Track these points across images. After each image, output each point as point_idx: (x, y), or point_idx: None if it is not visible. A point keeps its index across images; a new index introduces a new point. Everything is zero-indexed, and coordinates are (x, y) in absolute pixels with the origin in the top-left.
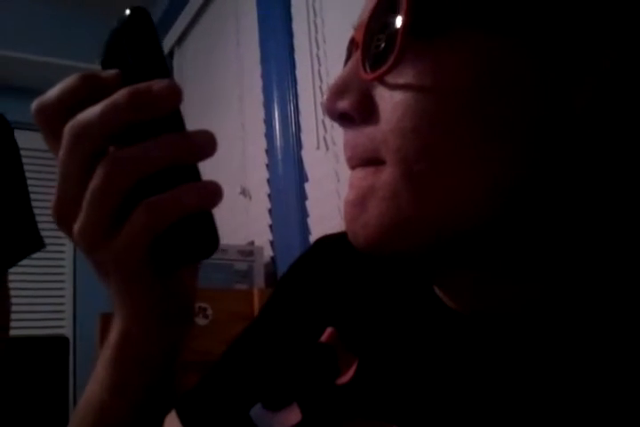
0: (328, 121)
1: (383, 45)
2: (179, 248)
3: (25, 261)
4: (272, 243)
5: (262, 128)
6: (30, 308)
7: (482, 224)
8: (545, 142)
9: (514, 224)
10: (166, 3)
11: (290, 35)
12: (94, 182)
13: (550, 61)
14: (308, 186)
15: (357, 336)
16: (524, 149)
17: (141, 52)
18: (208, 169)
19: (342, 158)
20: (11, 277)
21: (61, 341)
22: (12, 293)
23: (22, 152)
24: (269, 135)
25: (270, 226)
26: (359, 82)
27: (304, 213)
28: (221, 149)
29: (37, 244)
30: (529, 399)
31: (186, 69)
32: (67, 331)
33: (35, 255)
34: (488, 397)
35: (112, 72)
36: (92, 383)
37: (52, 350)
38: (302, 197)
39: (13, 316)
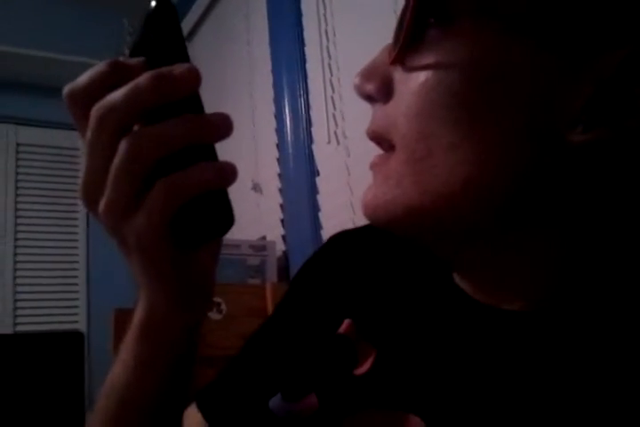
0: (339, 115)
1: (399, 30)
2: (196, 225)
3: (37, 257)
4: (284, 237)
5: (273, 123)
6: (44, 303)
7: (486, 210)
8: (543, 137)
9: (520, 209)
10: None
11: (300, 29)
12: (117, 159)
13: (556, 59)
14: (319, 180)
15: (375, 328)
16: (522, 143)
17: (165, 40)
18: None
19: (353, 152)
20: (25, 273)
21: (76, 336)
22: (26, 288)
23: (23, 148)
24: (280, 130)
25: (282, 220)
26: (385, 66)
27: (315, 208)
28: (233, 144)
29: None
30: (548, 391)
31: (196, 65)
32: (81, 326)
33: (48, 251)
34: (505, 387)
35: (138, 59)
36: (115, 367)
37: (68, 345)
38: (313, 191)
39: (28, 311)
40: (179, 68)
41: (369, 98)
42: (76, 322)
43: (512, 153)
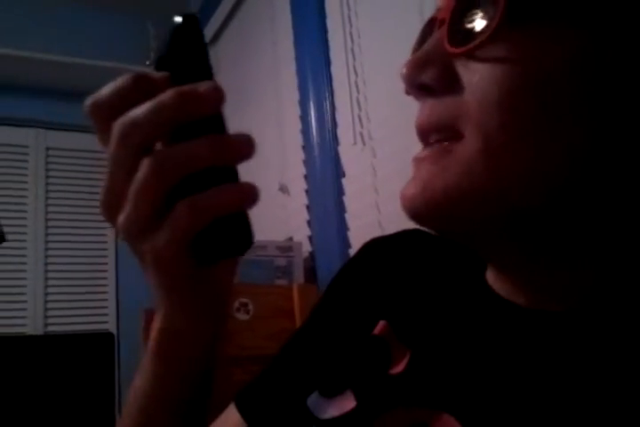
0: (364, 116)
1: (477, 22)
2: (215, 245)
3: (67, 259)
4: (310, 238)
5: (299, 125)
6: (74, 304)
7: (544, 205)
8: (611, 132)
9: (574, 209)
10: (199, 3)
11: (324, 30)
12: (139, 176)
13: (625, 60)
14: (345, 181)
15: (410, 329)
16: (594, 136)
17: (190, 56)
18: (247, 167)
19: (379, 153)
20: (54, 275)
21: (107, 336)
22: (56, 290)
23: (53, 152)
24: (306, 132)
25: (308, 222)
26: (441, 56)
27: (341, 209)
28: (259, 147)
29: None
30: (580, 392)
31: (221, 69)
32: (110, 326)
33: (78, 252)
34: (537, 387)
35: (162, 74)
36: (138, 373)
37: (98, 345)
38: (339, 192)
39: (57, 313)
40: (203, 87)
41: (422, 88)
42: (106, 322)
43: (587, 149)
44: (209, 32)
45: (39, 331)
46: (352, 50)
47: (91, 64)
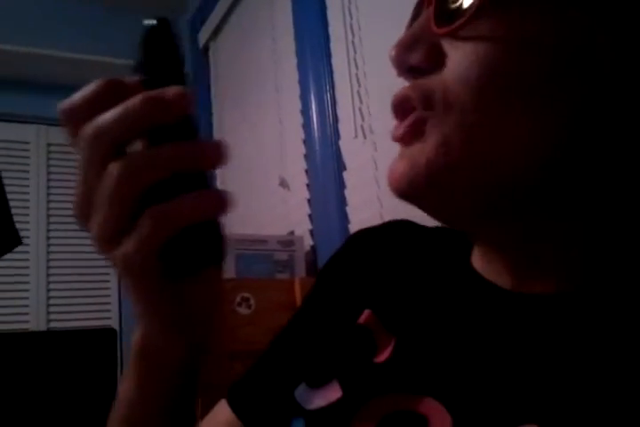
0: (365, 109)
1: (461, 2)
2: (184, 255)
3: (70, 255)
4: (312, 232)
5: (299, 119)
6: (77, 300)
7: (525, 183)
8: (595, 110)
9: (555, 187)
10: None
11: (325, 23)
12: (105, 184)
13: (608, 40)
14: (346, 175)
15: (395, 317)
16: (575, 113)
17: (161, 61)
18: (246, 161)
19: (380, 146)
20: (56, 271)
21: (109, 332)
22: (59, 286)
23: (55, 148)
24: (307, 126)
25: (309, 216)
26: (429, 36)
27: (343, 202)
28: (259, 140)
29: (15, 241)
30: (563, 374)
31: (221, 63)
32: (113, 323)
33: (80, 248)
34: (523, 369)
35: (134, 78)
36: (123, 381)
37: (101, 341)
38: (341, 186)
39: (60, 309)
40: (171, 91)
41: (411, 70)
42: (109, 318)
43: (570, 127)
44: (208, 29)
45: (42, 327)
46: (353, 43)
47: (92, 60)
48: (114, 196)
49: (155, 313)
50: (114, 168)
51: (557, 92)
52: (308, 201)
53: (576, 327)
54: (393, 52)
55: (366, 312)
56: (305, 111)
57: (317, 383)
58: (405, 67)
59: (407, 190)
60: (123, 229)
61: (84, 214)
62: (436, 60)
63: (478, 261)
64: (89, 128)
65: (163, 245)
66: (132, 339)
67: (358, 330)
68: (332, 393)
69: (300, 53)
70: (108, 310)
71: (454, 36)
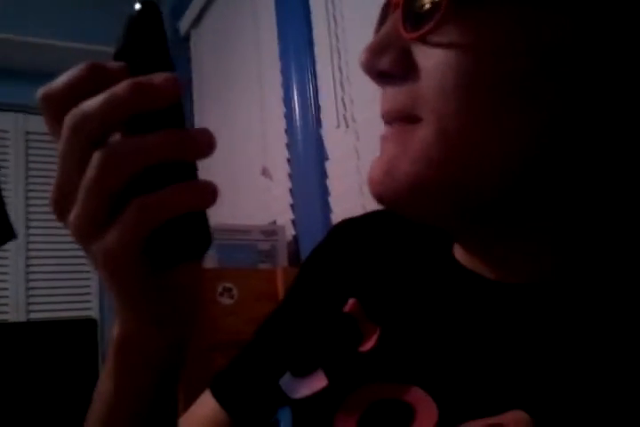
0: (348, 99)
1: (428, 6)
2: (170, 247)
3: (49, 245)
4: (294, 222)
5: (281, 108)
6: (57, 291)
7: (504, 187)
8: (570, 114)
9: (533, 189)
10: None
11: (307, 12)
12: (87, 173)
13: (581, 39)
14: (328, 164)
15: (380, 306)
16: (551, 118)
17: (147, 46)
18: (228, 151)
19: (362, 136)
20: (36, 262)
21: (90, 323)
22: (38, 276)
23: (33, 136)
24: (289, 115)
25: (292, 205)
26: (398, 41)
27: (325, 192)
28: (241, 130)
29: (9, 234)
30: (544, 362)
31: (202, 52)
32: (93, 313)
33: (60, 238)
34: (506, 357)
35: (118, 64)
36: (101, 377)
37: (81, 332)
38: (323, 175)
39: (41, 299)
40: (159, 78)
41: (380, 75)
42: (89, 309)
43: (548, 127)
44: (190, 17)
45: (22, 318)
46: (335, 32)
47: (70, 46)
48: (97, 185)
49: (134, 307)
50: (98, 156)
51: (533, 94)
52: (290, 191)
53: (559, 315)
54: (362, 58)
55: (351, 301)
56: (287, 100)
57: (303, 373)
58: (375, 71)
59: (384, 199)
60: (104, 221)
61: (62, 205)
62: (406, 66)
63: (459, 252)
64: (72, 114)
65: (146, 236)
66: (111, 334)
67: (343, 318)
68: (318, 382)
69: (283, 42)
70: (89, 301)
71: (424, 41)
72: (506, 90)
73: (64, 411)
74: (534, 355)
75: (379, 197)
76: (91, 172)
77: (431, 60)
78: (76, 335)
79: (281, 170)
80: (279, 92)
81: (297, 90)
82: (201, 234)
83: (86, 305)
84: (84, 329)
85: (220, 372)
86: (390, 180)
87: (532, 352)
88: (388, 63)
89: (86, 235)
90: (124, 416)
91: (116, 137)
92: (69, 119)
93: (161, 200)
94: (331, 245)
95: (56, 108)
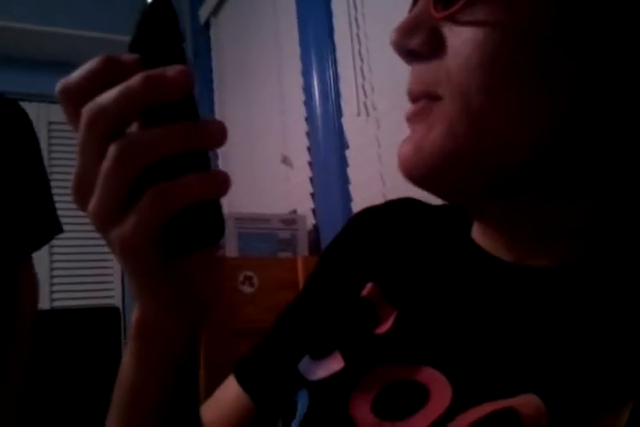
0: (368, 86)
1: None
2: (184, 235)
3: (72, 234)
4: (314, 211)
5: (301, 96)
6: (79, 279)
7: (529, 160)
8: (593, 90)
9: (558, 162)
10: None
11: None
12: (105, 164)
13: (608, 16)
14: (348, 153)
15: (398, 289)
16: (575, 93)
17: (161, 39)
18: (248, 140)
19: (383, 124)
20: (59, 250)
21: (113, 311)
22: (61, 265)
23: (56, 126)
24: (309, 103)
25: (312, 194)
26: (428, 21)
27: (345, 181)
28: (261, 118)
29: (57, 229)
30: (566, 347)
31: (222, 40)
32: (116, 301)
33: (83, 227)
34: (521, 339)
35: (132, 56)
36: (123, 363)
37: (104, 320)
38: (343, 164)
39: (62, 287)
40: (172, 71)
41: (410, 54)
42: (112, 297)
43: (572, 103)
44: (210, 5)
45: (45, 306)
46: (356, 18)
47: (93, 36)
48: (114, 175)
49: (153, 292)
50: (114, 147)
51: (557, 70)
52: (311, 179)
53: (576, 299)
54: (393, 37)
55: (369, 285)
56: (307, 88)
57: (320, 355)
58: (405, 51)
59: (415, 175)
60: (122, 209)
61: (82, 194)
62: (436, 46)
63: (479, 236)
64: (89, 108)
65: (162, 224)
66: (132, 319)
67: (361, 302)
68: (334, 364)
69: (302, 29)
70: (111, 289)
71: (453, 20)
72: (531, 66)
73: (87, 398)
74: (549, 339)
75: (408, 175)
76: (108, 163)
77: (460, 38)
78: (99, 323)
79: (301, 158)
80: (299, 80)
81: (317, 78)
82: (215, 222)
83: (108, 293)
84: (107, 317)
85: (242, 358)
86: (418, 157)
87: (546, 336)
88: (418, 43)
89: (105, 223)
90: (147, 400)
91: (133, 128)
92: (86, 112)
93: (176, 189)
94: (351, 232)
95: (74, 100)
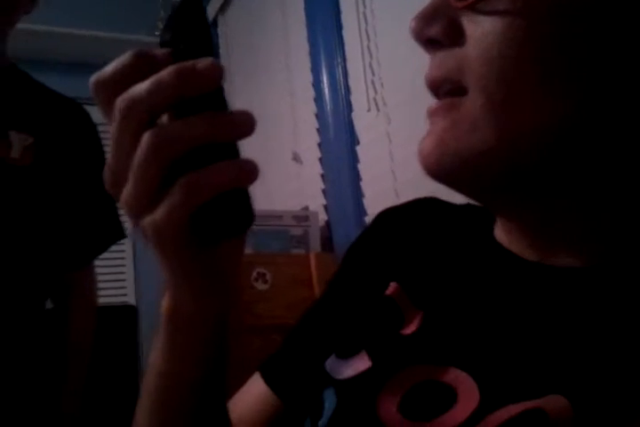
0: (378, 81)
1: None
2: (215, 223)
3: None
4: (326, 207)
5: (311, 92)
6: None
7: (551, 155)
8: (616, 82)
9: (581, 159)
10: None
11: None
12: (138, 154)
13: (629, 9)
14: (359, 149)
15: (422, 290)
16: (596, 86)
17: (190, 33)
18: (259, 137)
19: (394, 119)
20: None
21: (129, 309)
22: None
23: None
24: (319, 99)
25: (323, 190)
26: (448, 10)
27: (356, 177)
28: (271, 115)
29: (120, 233)
30: (592, 349)
31: (231, 37)
32: (129, 299)
33: None
34: (548, 340)
35: (164, 50)
36: (153, 351)
37: (120, 318)
38: (354, 160)
39: None
40: (202, 63)
41: (429, 42)
42: (125, 295)
43: (590, 98)
44: (217, 2)
45: None
46: (364, 13)
47: (136, 40)
48: (146, 165)
49: (184, 280)
50: (147, 138)
51: (578, 62)
52: (322, 176)
53: (603, 300)
54: (412, 24)
55: (392, 285)
56: (316, 84)
57: (347, 354)
58: (424, 39)
59: (437, 171)
60: (154, 198)
61: (115, 185)
62: (455, 35)
63: (502, 235)
64: (122, 99)
65: (193, 212)
66: (162, 307)
67: (385, 302)
68: (361, 363)
69: (311, 25)
70: (124, 287)
71: (473, 9)
72: (552, 57)
73: (104, 396)
74: (575, 340)
75: (429, 171)
76: (140, 153)
77: (479, 28)
78: (115, 321)
79: (312, 155)
80: (308, 77)
81: (326, 74)
82: (244, 210)
83: (122, 291)
84: (124, 315)
85: (269, 357)
86: (440, 153)
87: (572, 337)
88: (438, 31)
89: (137, 211)
90: (178, 391)
91: (164, 119)
92: (119, 104)
93: (206, 178)
94: (374, 232)
95: (107, 93)
